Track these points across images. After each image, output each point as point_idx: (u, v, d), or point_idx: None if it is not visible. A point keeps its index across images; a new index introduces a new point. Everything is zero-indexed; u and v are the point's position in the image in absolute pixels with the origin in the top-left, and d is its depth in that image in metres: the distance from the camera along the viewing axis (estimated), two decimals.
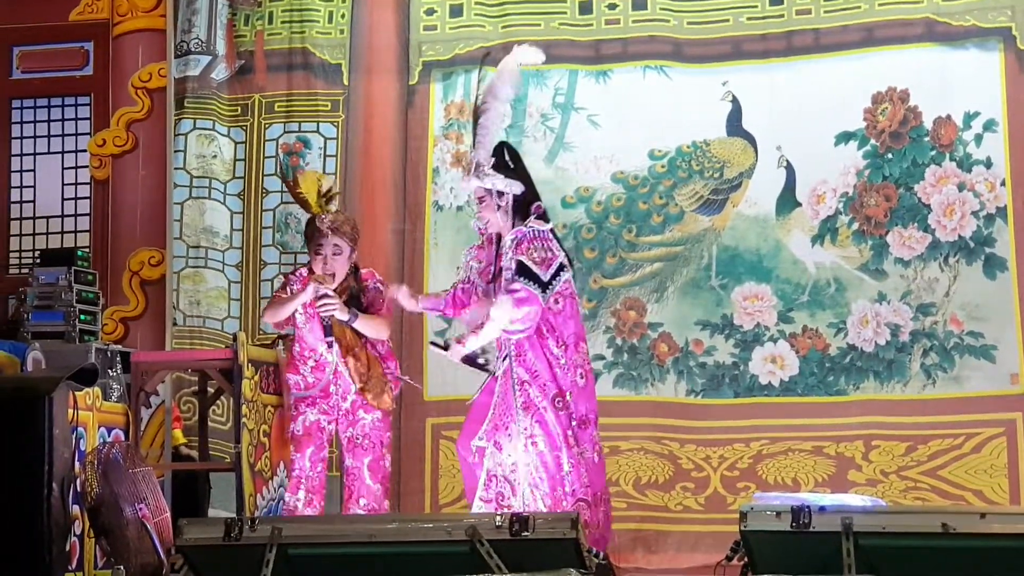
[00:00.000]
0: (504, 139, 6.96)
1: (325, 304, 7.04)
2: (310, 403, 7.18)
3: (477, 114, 6.82)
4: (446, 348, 6.87)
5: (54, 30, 9.57)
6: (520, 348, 6.63)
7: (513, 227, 6.71)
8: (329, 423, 7.18)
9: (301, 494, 7.12)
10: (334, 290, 7.08)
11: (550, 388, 6.63)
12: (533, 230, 6.66)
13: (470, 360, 6.83)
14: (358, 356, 7.12)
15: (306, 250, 7.44)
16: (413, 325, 8.53)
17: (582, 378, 6.70)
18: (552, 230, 6.77)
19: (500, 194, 6.73)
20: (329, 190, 7.26)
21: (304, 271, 7.26)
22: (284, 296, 7.19)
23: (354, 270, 7.21)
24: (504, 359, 6.70)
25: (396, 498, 8.54)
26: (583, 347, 6.77)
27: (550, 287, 6.60)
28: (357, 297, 7.15)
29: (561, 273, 6.64)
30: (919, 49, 8.62)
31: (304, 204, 7.27)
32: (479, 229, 6.92)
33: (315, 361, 7.17)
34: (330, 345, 7.12)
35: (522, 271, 6.59)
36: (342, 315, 7.05)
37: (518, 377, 6.63)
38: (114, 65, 9.48)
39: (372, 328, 7.14)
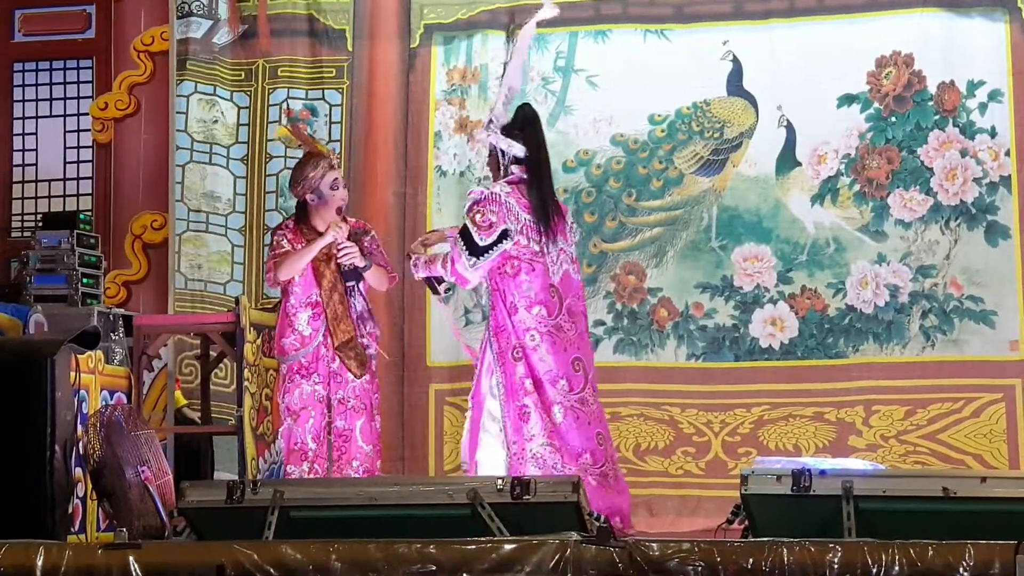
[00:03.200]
0: (525, 100, 7.12)
1: (346, 251, 7.11)
2: (304, 374, 7.16)
3: (504, 70, 7.17)
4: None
5: None
6: (493, 308, 6.83)
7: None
8: (324, 389, 7.17)
9: (306, 466, 7.10)
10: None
11: (512, 339, 6.79)
12: (487, 192, 6.83)
13: (429, 281, 7.09)
14: (341, 319, 7.15)
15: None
16: (415, 288, 8.51)
17: (532, 340, 6.78)
18: (520, 188, 6.87)
19: (503, 153, 6.88)
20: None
21: (290, 223, 7.29)
22: (290, 250, 7.17)
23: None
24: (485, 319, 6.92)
25: (400, 463, 8.56)
26: (538, 311, 6.83)
27: (485, 254, 6.78)
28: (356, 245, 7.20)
29: (502, 242, 6.78)
30: (924, 14, 8.59)
31: (311, 145, 7.45)
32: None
33: (312, 310, 7.17)
34: (349, 291, 7.17)
35: (463, 233, 6.81)
36: (360, 261, 7.12)
37: (491, 330, 6.83)
38: (116, 28, 9.45)
39: (377, 278, 7.25)
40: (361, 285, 7.26)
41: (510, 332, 6.78)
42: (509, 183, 6.83)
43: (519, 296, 6.79)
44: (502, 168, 6.89)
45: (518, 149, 6.86)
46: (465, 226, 6.81)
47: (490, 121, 6.93)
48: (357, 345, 7.16)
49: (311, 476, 7.07)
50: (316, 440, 7.13)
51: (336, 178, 7.23)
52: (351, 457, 7.16)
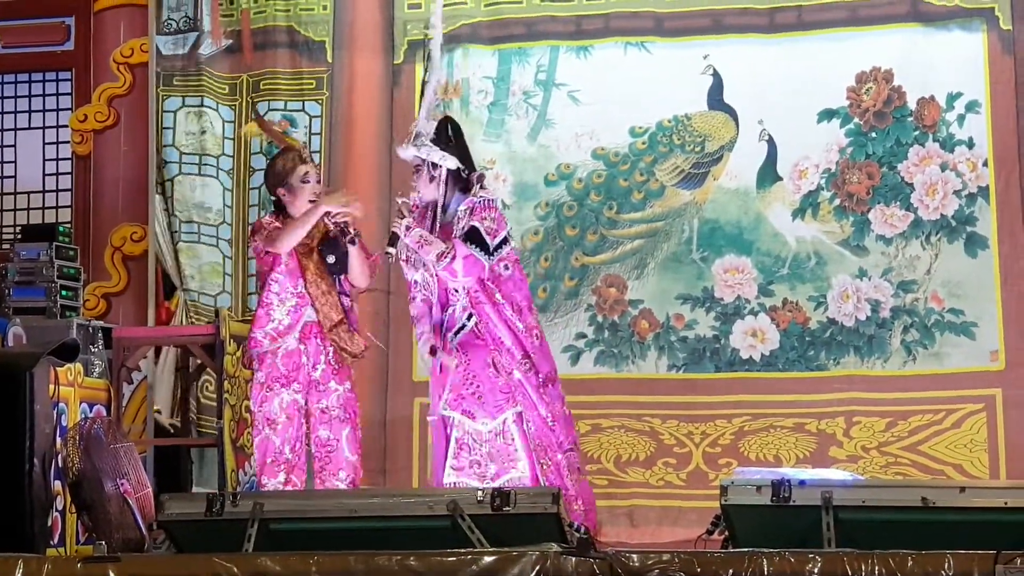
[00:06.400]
0: (447, 113, 7.06)
1: (341, 213, 6.90)
2: (284, 383, 6.92)
3: (423, 87, 6.96)
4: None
5: (35, 4, 9.54)
6: (482, 317, 6.69)
7: (446, 198, 6.77)
8: (304, 400, 6.97)
9: (282, 477, 6.89)
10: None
11: (516, 351, 6.68)
12: (484, 200, 6.75)
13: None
14: (331, 303, 7.01)
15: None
16: (401, 302, 8.48)
17: (536, 339, 6.74)
18: (497, 199, 6.89)
19: (434, 166, 6.77)
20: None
21: (269, 218, 7.08)
22: (281, 223, 6.96)
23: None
24: (457, 331, 6.73)
25: (382, 476, 8.53)
26: (535, 311, 6.87)
27: (494, 254, 6.70)
28: (335, 241, 6.97)
29: (505, 244, 6.76)
30: (903, 29, 8.63)
31: (280, 139, 7.40)
32: (413, 201, 6.90)
33: (296, 299, 6.94)
34: (335, 287, 6.98)
35: (472, 237, 6.67)
36: (351, 223, 6.89)
37: (484, 345, 6.68)
38: (96, 40, 9.45)
39: (359, 266, 6.98)
40: (345, 284, 7.10)
41: (510, 345, 6.67)
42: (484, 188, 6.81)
43: (520, 298, 6.74)
44: (437, 181, 6.74)
45: (451, 161, 6.76)
46: (474, 228, 6.66)
47: (417, 135, 6.76)
48: (349, 330, 7.03)
49: (288, 488, 6.88)
50: (293, 451, 6.92)
51: (307, 171, 7.00)
52: (336, 468, 6.94)
